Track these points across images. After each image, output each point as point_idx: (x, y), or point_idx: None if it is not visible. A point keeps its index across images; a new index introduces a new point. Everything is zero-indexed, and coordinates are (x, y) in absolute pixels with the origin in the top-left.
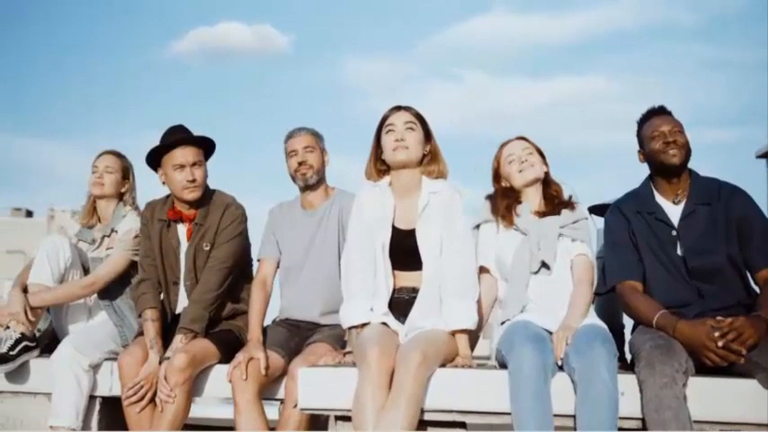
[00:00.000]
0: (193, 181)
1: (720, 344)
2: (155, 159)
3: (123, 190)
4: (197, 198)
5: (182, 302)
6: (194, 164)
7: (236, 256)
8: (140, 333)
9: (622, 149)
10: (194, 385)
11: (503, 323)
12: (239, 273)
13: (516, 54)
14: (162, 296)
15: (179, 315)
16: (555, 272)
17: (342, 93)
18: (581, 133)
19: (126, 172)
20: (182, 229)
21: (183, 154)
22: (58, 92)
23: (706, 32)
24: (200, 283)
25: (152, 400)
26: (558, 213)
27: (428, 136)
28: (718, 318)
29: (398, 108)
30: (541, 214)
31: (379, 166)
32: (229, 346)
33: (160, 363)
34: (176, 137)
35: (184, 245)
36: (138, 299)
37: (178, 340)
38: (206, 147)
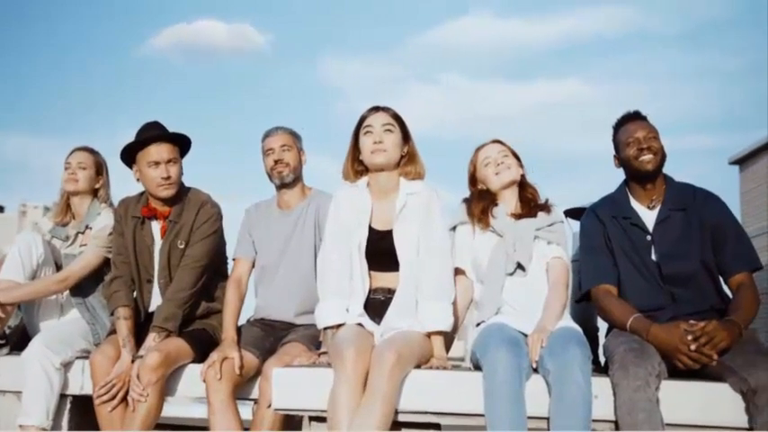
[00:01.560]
0: (168, 178)
1: (693, 347)
2: (129, 156)
3: (97, 186)
4: (171, 195)
5: (155, 301)
6: (169, 161)
7: (210, 255)
8: (113, 331)
9: (600, 154)
10: (167, 384)
11: (478, 324)
12: (214, 271)
13: (495, 57)
14: (135, 294)
15: (152, 314)
16: (530, 274)
17: (320, 93)
18: (559, 137)
19: (99, 168)
20: (156, 227)
21: (158, 151)
22: (32, 88)
23: (685, 40)
24: (174, 282)
25: (124, 399)
26: (534, 216)
27: (406, 137)
28: (691, 321)
29: (377, 109)
30: (517, 216)
31: (357, 166)
32: (203, 346)
33: (133, 361)
34: (151, 133)
35: (158, 242)
36: (110, 297)
37: (151, 339)
38: (181, 144)
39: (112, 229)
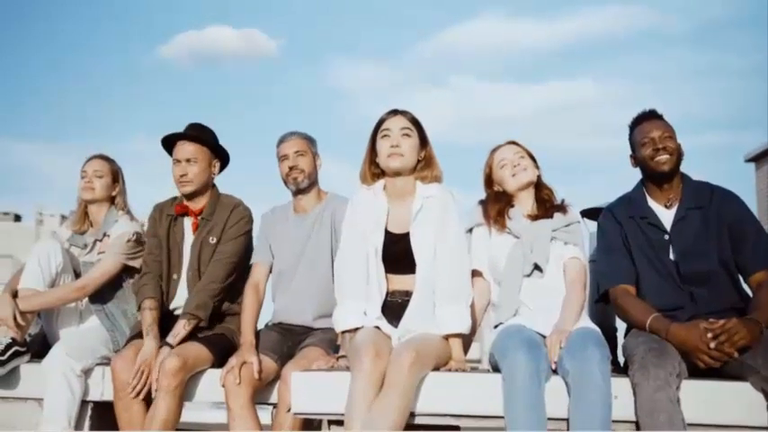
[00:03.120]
0: (184, 176)
1: (713, 345)
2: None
3: (114, 193)
4: (189, 192)
5: (179, 296)
6: (188, 160)
7: (240, 254)
8: (132, 337)
9: (614, 154)
10: (187, 389)
11: (496, 326)
12: (240, 273)
13: (505, 59)
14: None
15: (172, 311)
16: (547, 275)
17: (332, 97)
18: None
19: (116, 175)
20: (187, 223)
21: (181, 150)
22: (48, 95)
23: (696, 38)
24: (206, 274)
25: (145, 400)
26: (551, 217)
27: (424, 141)
28: (711, 319)
29: (395, 112)
30: (534, 217)
31: (374, 169)
32: (222, 351)
33: (159, 348)
34: (176, 133)
35: (189, 238)
36: (138, 290)
37: (181, 325)
38: (211, 147)
39: (133, 236)
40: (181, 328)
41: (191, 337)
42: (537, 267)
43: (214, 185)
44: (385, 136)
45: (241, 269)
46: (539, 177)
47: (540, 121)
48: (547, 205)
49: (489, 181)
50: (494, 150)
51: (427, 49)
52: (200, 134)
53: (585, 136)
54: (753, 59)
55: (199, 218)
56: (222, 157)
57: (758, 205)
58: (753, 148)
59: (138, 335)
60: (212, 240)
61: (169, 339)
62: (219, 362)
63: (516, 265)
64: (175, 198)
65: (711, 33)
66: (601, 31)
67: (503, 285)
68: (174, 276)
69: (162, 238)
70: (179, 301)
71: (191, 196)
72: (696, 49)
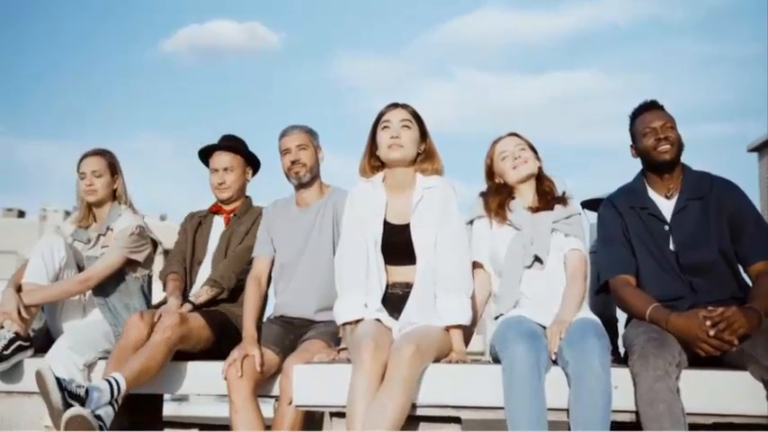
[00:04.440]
0: (222, 183)
1: (712, 333)
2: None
3: (115, 186)
4: (228, 197)
5: (199, 282)
6: (225, 168)
7: None
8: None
9: (616, 145)
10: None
11: (496, 318)
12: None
13: (509, 51)
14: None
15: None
16: (548, 267)
17: (335, 91)
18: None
19: (113, 169)
20: (218, 219)
21: (218, 160)
22: (50, 92)
23: (699, 28)
24: (233, 254)
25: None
26: (552, 208)
27: (423, 134)
28: (710, 308)
29: (395, 105)
30: (534, 210)
31: (373, 162)
32: (221, 328)
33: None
34: (213, 144)
35: (218, 230)
36: (164, 269)
37: (204, 290)
38: (245, 155)
39: (136, 230)
40: (203, 292)
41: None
42: (537, 259)
43: (247, 196)
44: (385, 128)
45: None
46: (540, 169)
47: (543, 112)
48: (548, 197)
49: (490, 172)
50: (495, 142)
51: (430, 40)
52: (234, 144)
53: (588, 127)
54: (755, 49)
55: (231, 215)
56: (254, 163)
57: (761, 195)
58: (755, 137)
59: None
60: (242, 229)
61: (191, 298)
62: (217, 339)
63: (517, 256)
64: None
65: (713, 23)
66: (603, 22)
67: (503, 277)
68: (198, 263)
69: (189, 233)
70: (199, 285)
71: (226, 201)
72: (699, 39)
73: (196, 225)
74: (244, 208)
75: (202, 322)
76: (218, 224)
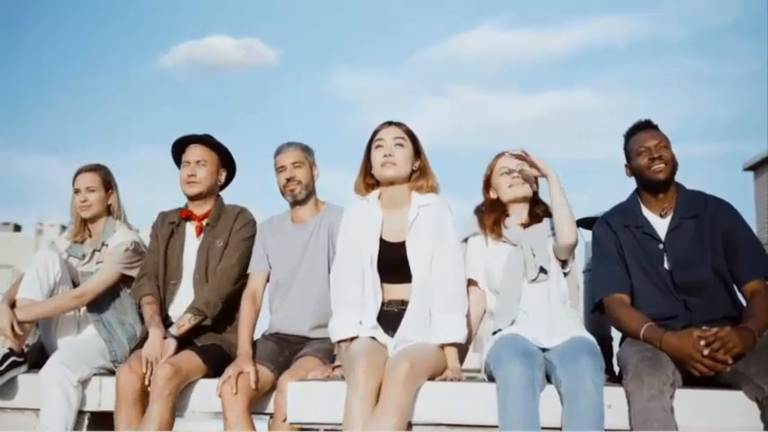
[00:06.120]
0: (193, 175)
1: (706, 353)
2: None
3: (109, 202)
4: (197, 193)
5: (177, 303)
6: (198, 162)
7: (248, 258)
8: (136, 347)
9: (613, 162)
10: (183, 400)
11: (494, 333)
12: (245, 283)
13: (506, 69)
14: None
15: (169, 317)
16: (550, 276)
17: (333, 107)
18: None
19: (108, 184)
20: (189, 228)
21: (191, 152)
22: (48, 106)
23: (696, 47)
24: (217, 275)
25: (141, 410)
26: (541, 221)
27: (417, 152)
28: (704, 327)
29: (389, 123)
30: (527, 226)
31: (369, 180)
32: (217, 362)
33: (164, 339)
34: (190, 136)
35: (191, 244)
36: (137, 289)
37: (186, 319)
38: (219, 153)
39: (131, 245)
40: (186, 321)
41: (186, 345)
42: (542, 270)
43: (219, 195)
44: (378, 146)
45: (246, 277)
46: (535, 194)
47: (539, 130)
48: (541, 220)
49: (488, 184)
50: (499, 155)
51: (427, 58)
52: (210, 139)
53: (584, 145)
54: (752, 68)
55: (203, 222)
56: (229, 168)
57: (757, 214)
58: (751, 156)
59: (141, 344)
60: (219, 244)
61: (172, 330)
62: (214, 372)
63: (516, 272)
64: (179, 208)
65: (710, 42)
66: (601, 40)
67: (501, 293)
68: (173, 282)
69: (161, 244)
70: (177, 307)
71: (195, 199)
72: (696, 58)
73: (167, 236)
74: (216, 213)
75: (198, 361)
76: (191, 235)
